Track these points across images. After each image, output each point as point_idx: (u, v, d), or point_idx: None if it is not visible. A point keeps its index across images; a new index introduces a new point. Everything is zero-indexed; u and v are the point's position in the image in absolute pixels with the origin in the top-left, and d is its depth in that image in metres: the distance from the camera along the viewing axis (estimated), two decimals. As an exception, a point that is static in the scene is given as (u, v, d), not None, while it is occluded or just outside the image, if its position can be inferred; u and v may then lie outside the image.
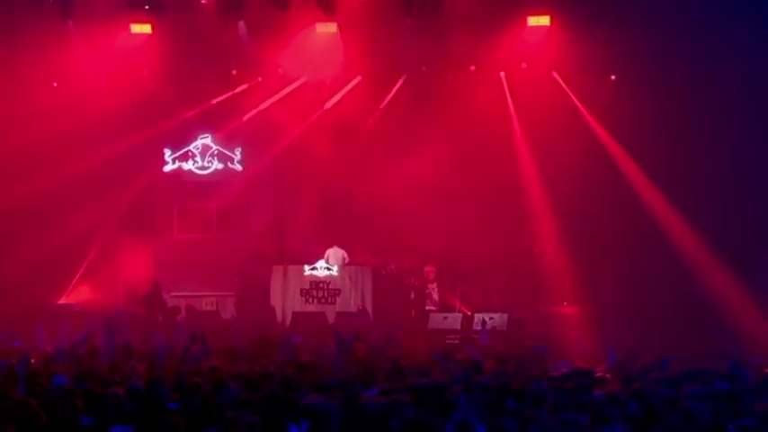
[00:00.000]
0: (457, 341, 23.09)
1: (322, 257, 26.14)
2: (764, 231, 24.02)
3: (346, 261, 26.29)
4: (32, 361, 16.58)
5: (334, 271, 25.86)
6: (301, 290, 25.89)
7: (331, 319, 25.02)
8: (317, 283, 25.89)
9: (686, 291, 23.83)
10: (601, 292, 24.88)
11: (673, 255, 24.65)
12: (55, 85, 27.48)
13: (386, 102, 28.16)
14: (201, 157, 28.13)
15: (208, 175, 28.20)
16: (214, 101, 28.33)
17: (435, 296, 26.41)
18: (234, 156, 28.23)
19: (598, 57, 25.96)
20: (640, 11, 24.62)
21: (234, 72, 28.23)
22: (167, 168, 28.18)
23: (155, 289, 25.88)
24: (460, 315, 25.22)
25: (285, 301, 25.86)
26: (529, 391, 13.16)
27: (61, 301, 27.06)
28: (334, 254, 26.27)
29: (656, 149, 25.28)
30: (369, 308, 25.61)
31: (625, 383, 14.47)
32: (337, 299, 25.79)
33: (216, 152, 28.19)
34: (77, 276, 27.58)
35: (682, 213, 25.01)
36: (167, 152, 28.11)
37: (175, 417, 11.15)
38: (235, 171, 28.34)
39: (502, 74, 27.53)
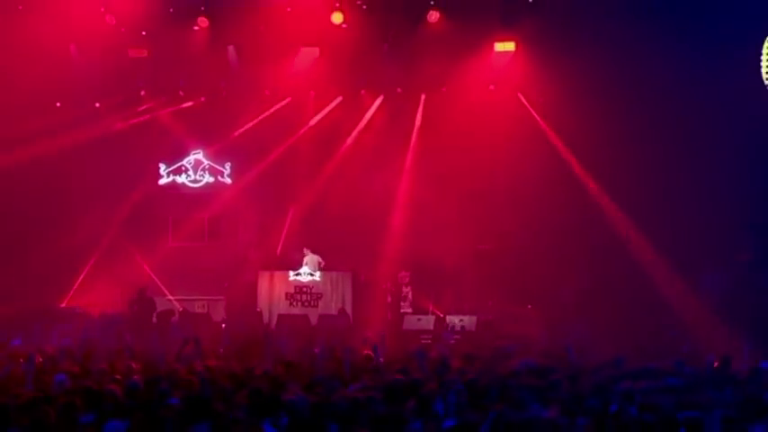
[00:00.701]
0: (430, 341, 23.19)
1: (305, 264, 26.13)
2: (707, 240, 24.10)
3: (321, 265, 26.25)
4: (39, 360, 16.59)
5: (317, 276, 25.87)
6: (286, 293, 25.90)
7: (314, 320, 25.04)
8: (300, 288, 25.88)
9: (640, 293, 23.93)
10: (562, 295, 24.99)
11: (628, 260, 24.79)
12: (58, 104, 27.55)
13: (365, 120, 28.20)
14: (194, 171, 28.13)
15: (200, 187, 28.21)
16: (205, 119, 28.32)
17: (410, 299, 26.45)
18: (224, 170, 28.25)
19: (559, 79, 25.99)
20: (597, 38, 24.74)
21: (223, 93, 28.30)
22: (162, 182, 28.18)
23: (140, 294, 25.81)
24: (433, 317, 25.29)
25: (271, 304, 25.85)
26: (495, 387, 13.26)
27: (64, 304, 27.05)
28: (311, 259, 26.22)
29: (612, 164, 25.44)
30: (348, 310, 25.60)
31: (584, 380, 14.61)
32: (319, 302, 25.77)
33: (207, 167, 28.21)
34: (79, 281, 27.56)
35: (635, 222, 25.16)
36: (162, 166, 28.10)
37: (169, 411, 11.20)
38: (224, 184, 28.36)
39: (472, 95, 27.46)
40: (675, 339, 20.41)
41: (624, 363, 16.61)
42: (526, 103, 27.02)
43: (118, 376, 14.02)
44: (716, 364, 16.77)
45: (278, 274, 26.12)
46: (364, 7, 25.91)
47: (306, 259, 26.14)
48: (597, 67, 25.14)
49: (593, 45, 24.81)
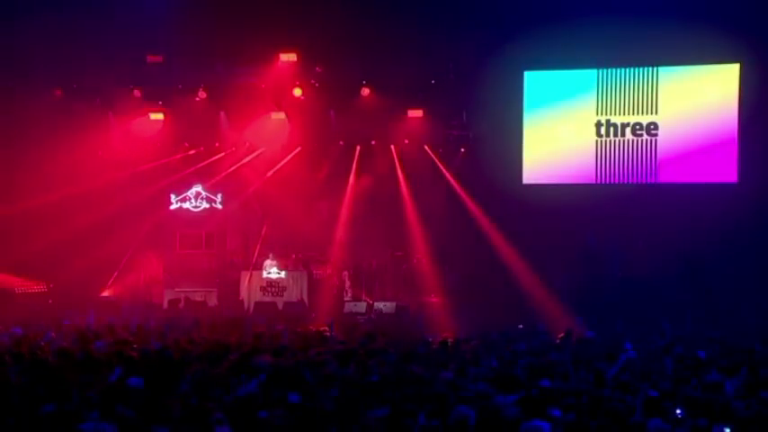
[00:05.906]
0: (362, 321, 23.21)
1: (274, 267, 25.93)
2: (554, 248, 24.26)
3: (280, 266, 25.93)
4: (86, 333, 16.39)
5: (282, 275, 25.70)
6: (260, 287, 25.66)
7: (280, 306, 24.93)
8: (270, 282, 25.65)
9: (510, 286, 24.00)
10: (454, 287, 25.03)
11: (500, 262, 24.91)
12: (100, 153, 27.46)
13: (317, 164, 28.19)
14: (195, 199, 27.77)
15: (199, 211, 27.81)
16: (203, 163, 28.25)
17: (349, 291, 26.40)
18: (216, 199, 27.88)
19: (453, 137, 26.72)
20: (477, 108, 25.29)
21: (216, 144, 28.25)
22: (172, 207, 27.74)
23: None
24: (365, 303, 25.30)
25: (250, 294, 25.62)
26: (406, 352, 13.35)
27: (103, 294, 26.84)
28: (269, 263, 25.92)
29: (486, 194, 25.73)
30: (305, 299, 25.48)
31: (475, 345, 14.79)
32: (284, 293, 25.52)
33: (205, 196, 27.86)
34: (114, 277, 27.28)
35: (505, 234, 25.28)
36: (173, 196, 27.73)
37: (176, 368, 11.13)
38: (217, 209, 28.01)
39: (392, 146, 27.70)
40: (534, 319, 20.56)
41: (507, 333, 16.86)
42: (430, 151, 27.22)
43: (136, 345, 13.93)
44: (561, 335, 17.06)
45: (255, 273, 25.92)
46: (317, 85, 26.44)
47: (266, 263, 25.95)
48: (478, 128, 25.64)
49: (473, 113, 25.36)
